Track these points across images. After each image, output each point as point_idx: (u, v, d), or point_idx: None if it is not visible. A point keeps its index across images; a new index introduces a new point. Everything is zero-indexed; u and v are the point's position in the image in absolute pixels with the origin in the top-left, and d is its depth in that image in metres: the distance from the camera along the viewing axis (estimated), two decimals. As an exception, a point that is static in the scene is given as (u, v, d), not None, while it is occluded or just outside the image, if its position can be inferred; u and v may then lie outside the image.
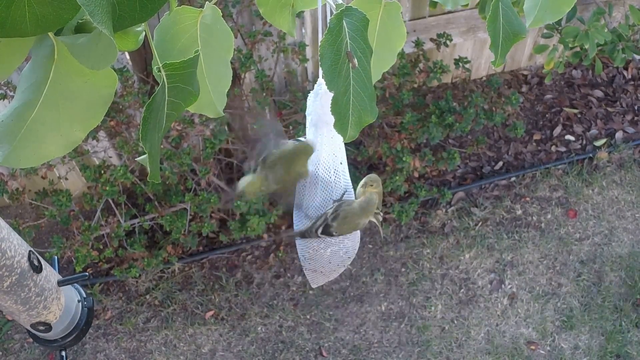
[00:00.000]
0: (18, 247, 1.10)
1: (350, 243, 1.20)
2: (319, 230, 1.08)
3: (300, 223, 1.17)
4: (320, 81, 1.02)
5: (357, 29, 0.58)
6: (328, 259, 1.18)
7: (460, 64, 2.95)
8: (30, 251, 1.14)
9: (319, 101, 1.02)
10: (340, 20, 0.58)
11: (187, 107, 0.59)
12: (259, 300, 2.89)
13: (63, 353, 1.30)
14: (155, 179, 0.58)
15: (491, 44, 0.66)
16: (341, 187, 1.13)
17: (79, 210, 2.75)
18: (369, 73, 0.61)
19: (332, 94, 0.59)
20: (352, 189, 1.17)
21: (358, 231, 1.24)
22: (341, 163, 1.13)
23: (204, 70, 0.67)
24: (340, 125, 0.61)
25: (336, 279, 2.92)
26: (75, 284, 1.32)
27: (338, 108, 0.60)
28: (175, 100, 0.57)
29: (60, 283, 1.23)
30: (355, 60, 0.58)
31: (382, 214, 1.15)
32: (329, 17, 0.72)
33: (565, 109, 3.49)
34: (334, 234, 1.09)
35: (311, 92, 1.05)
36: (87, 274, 1.29)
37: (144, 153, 0.58)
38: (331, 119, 0.61)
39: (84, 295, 1.33)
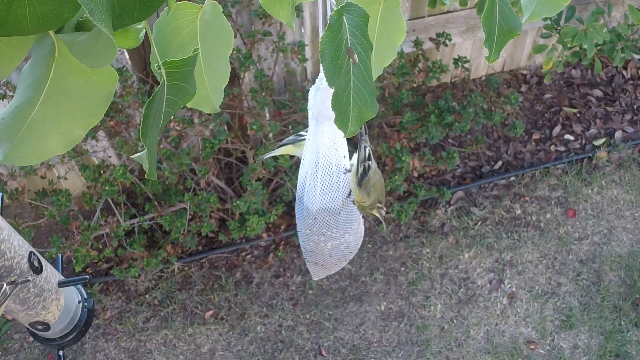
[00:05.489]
0: (18, 248, 1.10)
1: (351, 238, 1.20)
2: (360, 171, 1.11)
3: (301, 216, 1.17)
4: (322, 75, 1.02)
5: (357, 25, 0.59)
6: (329, 252, 1.19)
7: (460, 64, 2.95)
8: (31, 252, 1.14)
9: (320, 95, 1.03)
10: (341, 16, 0.58)
11: (183, 105, 0.59)
12: (258, 299, 2.88)
13: (61, 352, 1.30)
14: (152, 177, 0.58)
15: (486, 39, 0.66)
16: (342, 181, 1.12)
17: (79, 210, 2.75)
18: (370, 69, 0.61)
19: (332, 90, 0.60)
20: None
21: (362, 226, 1.24)
22: (344, 157, 1.13)
23: (202, 66, 0.67)
24: (341, 121, 0.62)
25: (335, 279, 2.92)
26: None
27: (339, 104, 0.60)
28: (173, 98, 0.57)
29: (61, 284, 1.23)
30: (356, 56, 0.59)
31: (384, 208, 1.16)
32: (329, 15, 0.72)
33: (564, 108, 3.49)
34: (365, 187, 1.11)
35: (312, 86, 1.05)
36: (87, 276, 1.29)
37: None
38: (332, 114, 0.61)
39: (85, 296, 1.33)
